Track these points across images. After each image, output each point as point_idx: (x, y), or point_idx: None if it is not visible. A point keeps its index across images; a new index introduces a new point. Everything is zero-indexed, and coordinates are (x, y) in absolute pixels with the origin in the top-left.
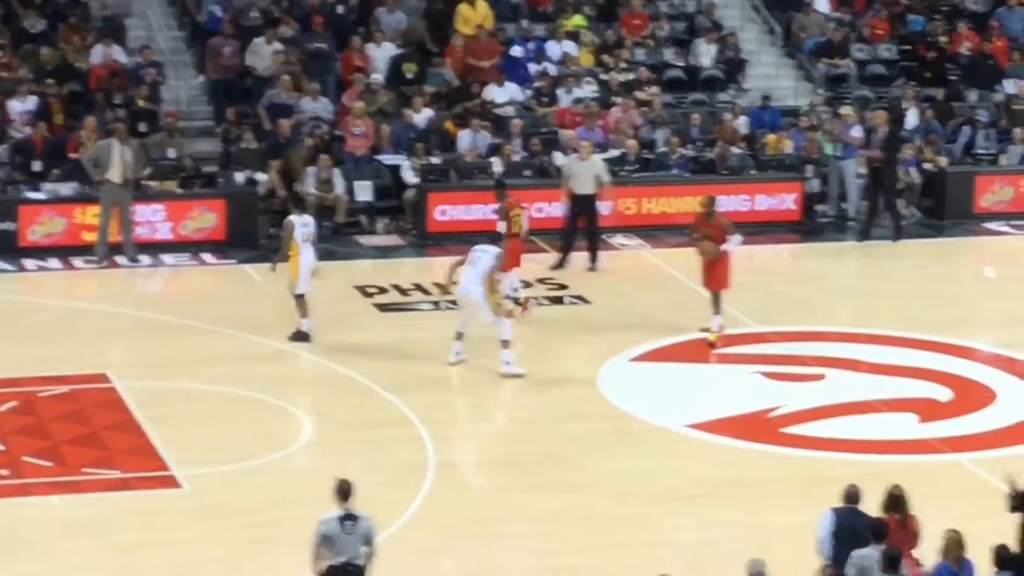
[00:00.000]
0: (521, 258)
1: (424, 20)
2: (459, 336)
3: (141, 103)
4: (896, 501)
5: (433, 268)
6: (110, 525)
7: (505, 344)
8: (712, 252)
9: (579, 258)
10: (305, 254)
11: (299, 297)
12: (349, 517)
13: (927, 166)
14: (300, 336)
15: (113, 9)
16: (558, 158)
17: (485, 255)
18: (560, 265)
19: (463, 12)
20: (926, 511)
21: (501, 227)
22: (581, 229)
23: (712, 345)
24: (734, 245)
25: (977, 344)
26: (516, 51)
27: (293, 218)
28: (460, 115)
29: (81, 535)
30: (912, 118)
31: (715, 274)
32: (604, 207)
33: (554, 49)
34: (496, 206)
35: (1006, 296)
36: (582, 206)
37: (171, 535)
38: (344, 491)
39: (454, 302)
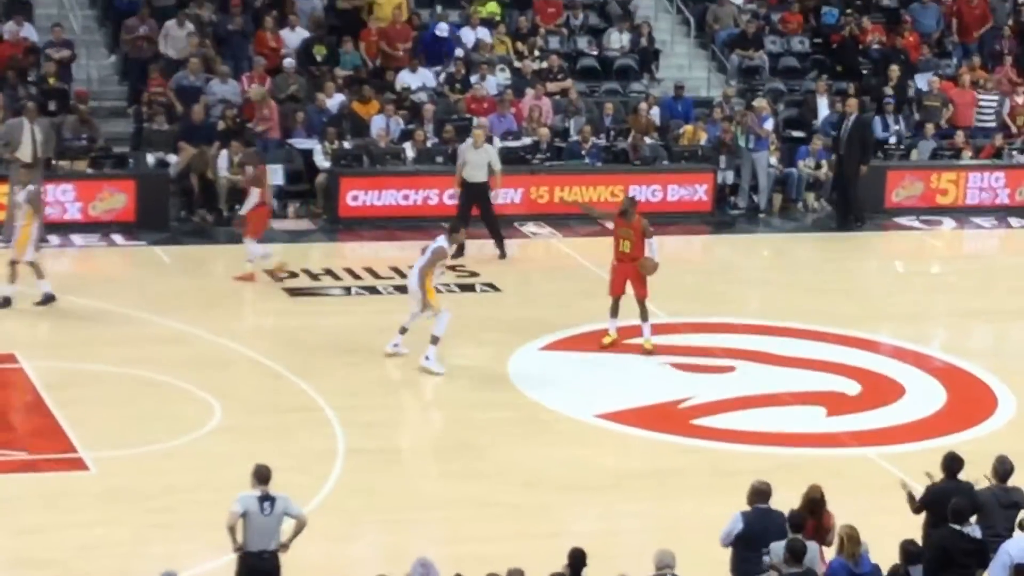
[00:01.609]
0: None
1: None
2: (402, 330)
3: (52, 82)
4: (815, 504)
5: (344, 253)
6: (14, 507)
7: (434, 340)
8: (651, 268)
9: (482, 246)
10: (36, 223)
11: (33, 264)
12: (267, 498)
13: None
14: (48, 299)
15: None
16: None
17: (427, 249)
18: (458, 253)
19: None
20: (832, 506)
21: (253, 195)
22: (474, 217)
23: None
24: (652, 251)
25: (886, 338)
26: (442, 30)
27: (33, 188)
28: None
29: None
30: (823, 110)
31: (636, 280)
32: (495, 196)
33: (468, 36)
34: (249, 172)
35: (915, 291)
36: (474, 194)
37: (75, 517)
38: (263, 475)
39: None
